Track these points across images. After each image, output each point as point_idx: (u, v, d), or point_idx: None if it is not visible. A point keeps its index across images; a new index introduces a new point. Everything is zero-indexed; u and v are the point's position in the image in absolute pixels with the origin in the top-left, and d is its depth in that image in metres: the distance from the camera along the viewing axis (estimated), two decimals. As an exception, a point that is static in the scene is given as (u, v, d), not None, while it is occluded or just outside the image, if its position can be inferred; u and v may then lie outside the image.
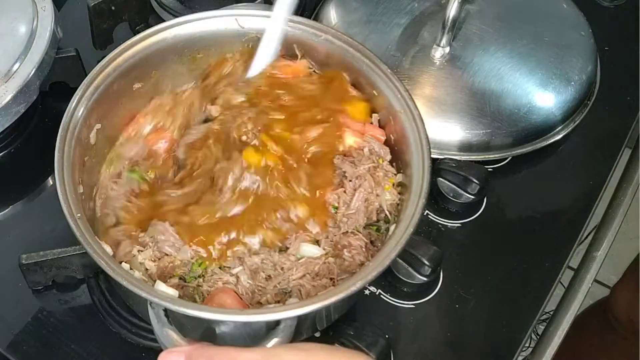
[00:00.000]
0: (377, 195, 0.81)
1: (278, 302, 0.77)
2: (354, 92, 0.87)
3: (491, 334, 0.89)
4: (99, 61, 0.83)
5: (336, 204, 0.81)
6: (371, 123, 0.87)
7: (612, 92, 1.09)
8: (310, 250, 0.79)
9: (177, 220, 0.79)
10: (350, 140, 0.84)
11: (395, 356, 0.85)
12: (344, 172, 0.82)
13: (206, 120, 0.89)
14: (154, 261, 0.78)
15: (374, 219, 0.82)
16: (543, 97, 1.00)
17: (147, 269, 0.78)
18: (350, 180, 0.82)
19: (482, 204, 0.98)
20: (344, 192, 0.81)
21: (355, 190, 0.81)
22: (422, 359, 0.86)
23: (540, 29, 1.05)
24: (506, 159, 1.02)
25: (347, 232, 0.80)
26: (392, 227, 0.79)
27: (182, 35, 0.87)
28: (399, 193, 0.82)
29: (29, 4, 0.99)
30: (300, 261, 0.78)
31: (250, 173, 0.80)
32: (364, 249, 0.79)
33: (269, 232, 0.79)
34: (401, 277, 0.88)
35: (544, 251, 0.95)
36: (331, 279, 0.78)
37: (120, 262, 0.77)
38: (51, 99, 1.03)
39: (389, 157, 0.85)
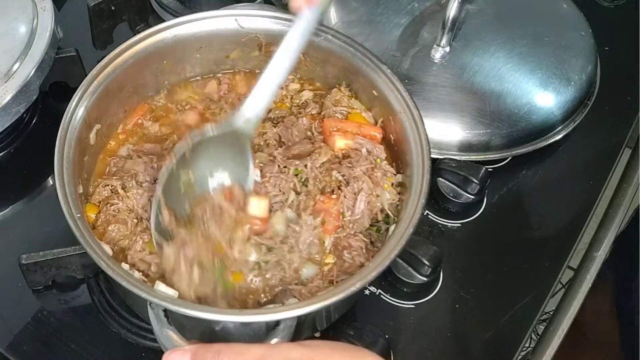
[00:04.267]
0: (377, 195, 0.81)
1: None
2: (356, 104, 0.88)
3: (491, 334, 0.89)
4: (99, 61, 0.83)
5: (342, 211, 0.81)
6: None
7: (612, 92, 1.09)
8: (310, 270, 0.79)
9: None
10: (340, 143, 0.84)
11: (395, 356, 0.85)
12: (342, 175, 0.82)
13: None
14: None
15: (379, 218, 0.82)
16: (543, 97, 1.00)
17: None
18: (347, 183, 0.82)
19: (482, 204, 0.98)
20: (345, 197, 0.81)
21: (356, 194, 0.81)
22: (422, 359, 0.86)
23: (540, 29, 1.05)
24: (506, 159, 1.02)
25: (347, 233, 0.80)
26: (392, 228, 0.79)
27: (182, 35, 0.87)
28: (399, 193, 0.82)
29: (29, 4, 0.99)
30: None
31: None
32: (364, 250, 0.79)
33: None
34: (401, 277, 0.88)
35: (544, 251, 0.95)
36: (330, 281, 0.78)
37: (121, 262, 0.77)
38: (51, 99, 1.03)
39: (383, 155, 0.85)
